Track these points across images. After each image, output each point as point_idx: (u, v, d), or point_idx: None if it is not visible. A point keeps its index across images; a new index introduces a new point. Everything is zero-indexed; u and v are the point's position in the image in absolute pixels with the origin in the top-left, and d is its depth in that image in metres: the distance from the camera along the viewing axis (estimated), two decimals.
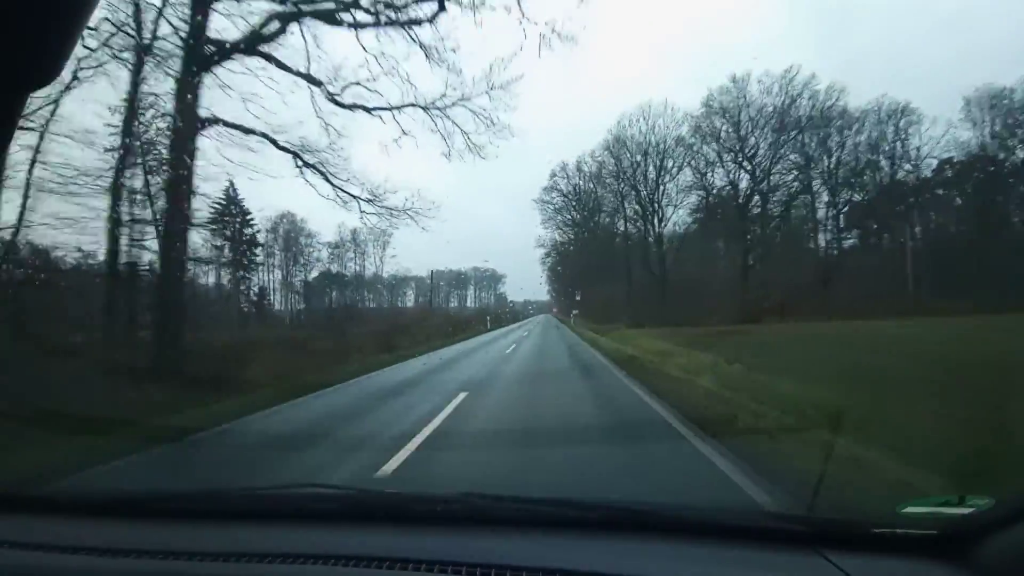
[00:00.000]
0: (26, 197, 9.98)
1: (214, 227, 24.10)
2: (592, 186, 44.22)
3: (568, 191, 45.27)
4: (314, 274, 50.06)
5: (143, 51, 10.77)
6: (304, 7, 12.39)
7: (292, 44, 13.36)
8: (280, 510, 1.61)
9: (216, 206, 26.26)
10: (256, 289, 43.38)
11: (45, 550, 1.40)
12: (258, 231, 39.23)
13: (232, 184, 24.33)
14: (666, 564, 1.29)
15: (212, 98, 11.77)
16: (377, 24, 12.95)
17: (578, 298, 50.76)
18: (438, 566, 1.22)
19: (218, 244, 29.14)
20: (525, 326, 46.25)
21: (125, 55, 10.67)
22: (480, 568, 1.21)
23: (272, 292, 49.44)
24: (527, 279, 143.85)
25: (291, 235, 47.29)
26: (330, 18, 12.69)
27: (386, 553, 1.29)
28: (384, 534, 1.44)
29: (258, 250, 41.20)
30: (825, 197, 37.34)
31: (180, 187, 10.92)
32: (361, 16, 12.89)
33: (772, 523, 1.48)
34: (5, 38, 0.61)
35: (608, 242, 45.46)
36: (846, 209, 37.69)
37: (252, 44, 11.87)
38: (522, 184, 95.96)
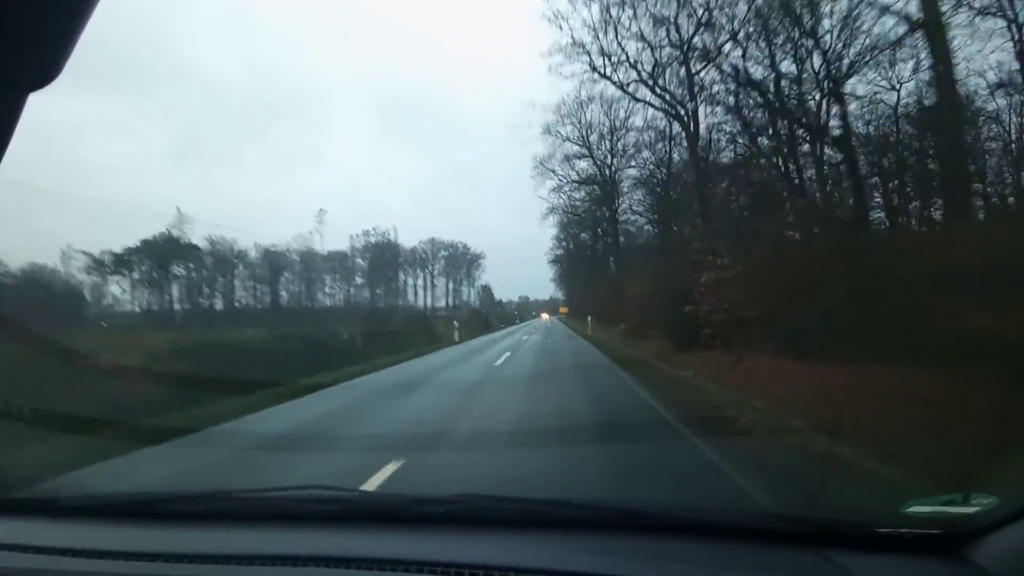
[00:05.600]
0: None
1: None
2: None
3: None
4: None
5: None
6: None
7: None
8: (281, 512, 1.61)
9: None
10: None
11: (46, 553, 1.40)
12: None
13: None
14: (666, 564, 1.28)
15: None
16: None
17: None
18: (441, 568, 1.21)
19: None
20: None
21: None
22: (484, 570, 1.20)
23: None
24: (523, 276, 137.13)
25: None
26: None
27: (386, 555, 1.28)
28: (384, 536, 1.44)
29: None
30: None
31: None
32: None
33: (773, 523, 1.47)
34: (5, 38, 0.61)
35: None
36: None
37: None
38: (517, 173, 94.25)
